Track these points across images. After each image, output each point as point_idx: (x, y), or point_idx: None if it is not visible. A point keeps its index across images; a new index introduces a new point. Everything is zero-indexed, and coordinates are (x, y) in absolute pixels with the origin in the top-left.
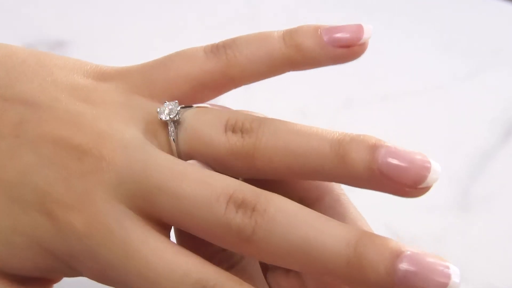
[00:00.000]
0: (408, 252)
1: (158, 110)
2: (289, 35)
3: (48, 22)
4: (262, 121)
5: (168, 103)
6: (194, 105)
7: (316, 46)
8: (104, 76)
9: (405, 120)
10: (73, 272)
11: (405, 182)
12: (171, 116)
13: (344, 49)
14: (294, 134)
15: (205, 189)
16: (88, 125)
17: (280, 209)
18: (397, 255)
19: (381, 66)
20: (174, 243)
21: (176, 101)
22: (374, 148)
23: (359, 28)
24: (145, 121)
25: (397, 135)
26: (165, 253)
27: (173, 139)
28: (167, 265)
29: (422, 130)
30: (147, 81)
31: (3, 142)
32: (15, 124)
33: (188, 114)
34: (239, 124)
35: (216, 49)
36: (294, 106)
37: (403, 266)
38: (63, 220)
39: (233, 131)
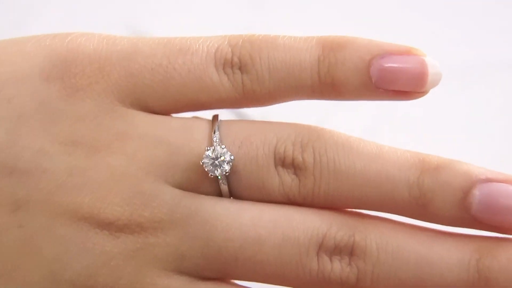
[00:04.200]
0: None
1: (203, 162)
2: (326, 67)
3: None
4: (315, 149)
5: (212, 150)
6: (222, 121)
7: (361, 87)
8: (75, 76)
9: (493, 105)
10: None
11: (506, 226)
12: (226, 172)
13: (398, 96)
14: (359, 175)
15: (290, 247)
16: (107, 188)
17: (382, 247)
18: None
19: (456, 29)
20: None
21: (224, 147)
22: (464, 194)
23: (423, 62)
24: (176, 166)
25: (478, 126)
26: None
27: (224, 189)
28: None
29: None
30: (138, 88)
31: (6, 238)
32: (11, 210)
33: (232, 150)
34: (289, 157)
35: (231, 71)
36: None
37: None
38: None
39: (283, 165)
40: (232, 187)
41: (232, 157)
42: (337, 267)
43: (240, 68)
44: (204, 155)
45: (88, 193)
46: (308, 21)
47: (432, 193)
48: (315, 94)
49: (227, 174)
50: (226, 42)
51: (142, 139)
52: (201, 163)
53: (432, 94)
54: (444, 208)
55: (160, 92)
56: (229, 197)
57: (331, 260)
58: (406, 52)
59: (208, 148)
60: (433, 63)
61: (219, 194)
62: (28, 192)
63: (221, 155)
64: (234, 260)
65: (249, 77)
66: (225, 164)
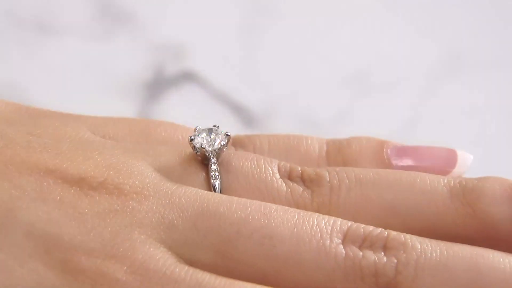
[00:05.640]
0: None
1: (192, 137)
2: (337, 148)
3: None
4: (329, 167)
5: (200, 128)
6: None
7: (376, 164)
8: (40, 124)
9: None
10: None
11: None
12: (217, 146)
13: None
14: (388, 179)
15: (308, 226)
16: (79, 153)
17: (425, 242)
18: None
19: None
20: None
21: (218, 126)
22: None
23: (450, 157)
24: (158, 154)
25: None
26: None
27: (217, 183)
28: None
29: None
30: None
31: None
32: None
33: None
34: (296, 171)
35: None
36: (342, 73)
37: None
38: (92, 271)
39: (290, 178)
40: (231, 184)
41: (229, 133)
42: (369, 256)
43: (234, 145)
44: (194, 132)
45: (55, 153)
46: (337, 62)
47: (479, 190)
48: None
49: (221, 149)
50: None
51: (116, 145)
52: (189, 138)
53: (481, 81)
54: (496, 202)
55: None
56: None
57: (360, 250)
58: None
59: (198, 128)
60: (464, 157)
61: None
62: None
63: (215, 131)
64: (236, 233)
65: (244, 149)
66: (218, 137)
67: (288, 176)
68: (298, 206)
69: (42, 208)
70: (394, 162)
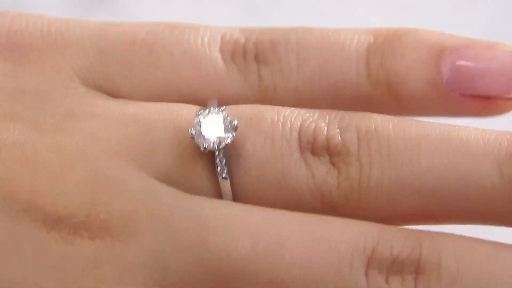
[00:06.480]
0: None
1: (192, 131)
2: (379, 59)
3: None
4: (361, 128)
5: (202, 114)
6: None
7: (427, 88)
8: (19, 49)
9: None
10: None
11: None
12: (223, 145)
13: (481, 102)
14: (428, 155)
15: (324, 252)
16: (56, 171)
17: (465, 262)
18: None
19: None
20: None
21: (223, 109)
22: None
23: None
24: (154, 147)
25: None
26: None
27: (225, 177)
28: None
29: None
30: (109, 69)
31: None
32: None
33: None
34: (321, 138)
35: (243, 62)
36: None
37: None
38: None
39: (314, 151)
40: (237, 181)
41: (235, 123)
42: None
43: (256, 57)
44: (193, 122)
45: (29, 177)
46: None
47: None
48: (362, 99)
49: (227, 145)
50: (237, 29)
51: (105, 118)
52: (190, 133)
53: None
54: None
55: (140, 76)
56: (232, 198)
57: (387, 281)
58: (489, 47)
59: (199, 112)
60: None
61: (218, 194)
62: None
63: (219, 119)
64: (241, 272)
65: (268, 68)
66: (223, 127)
67: (312, 148)
68: (322, 195)
69: (15, 264)
70: (447, 74)
